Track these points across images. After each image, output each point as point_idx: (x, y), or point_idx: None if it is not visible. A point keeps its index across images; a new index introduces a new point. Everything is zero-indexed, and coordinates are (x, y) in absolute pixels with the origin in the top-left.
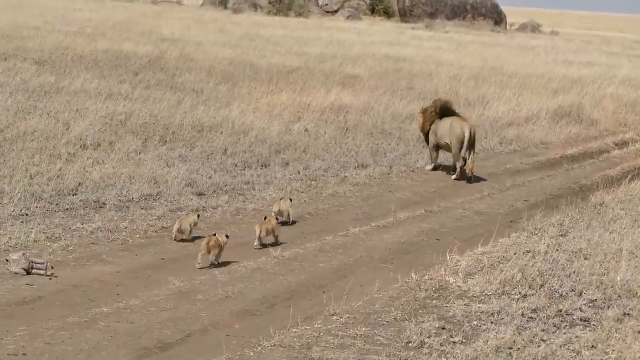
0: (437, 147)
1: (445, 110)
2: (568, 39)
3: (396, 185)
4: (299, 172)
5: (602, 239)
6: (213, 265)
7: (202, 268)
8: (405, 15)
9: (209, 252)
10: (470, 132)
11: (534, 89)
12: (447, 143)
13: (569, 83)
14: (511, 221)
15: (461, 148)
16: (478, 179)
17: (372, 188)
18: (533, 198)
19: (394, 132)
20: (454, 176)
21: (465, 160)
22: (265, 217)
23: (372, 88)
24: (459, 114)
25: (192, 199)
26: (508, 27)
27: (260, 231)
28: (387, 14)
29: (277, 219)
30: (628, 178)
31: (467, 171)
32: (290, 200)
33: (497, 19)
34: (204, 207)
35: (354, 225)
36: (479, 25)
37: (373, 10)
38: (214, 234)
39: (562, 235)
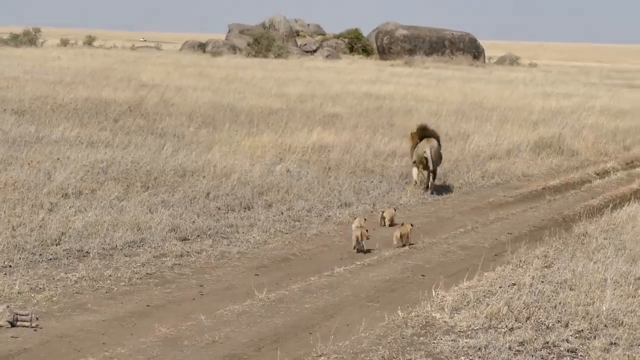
0: (415, 164)
1: (422, 133)
2: (546, 71)
3: (380, 223)
4: (282, 213)
5: (586, 269)
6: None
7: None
8: (384, 52)
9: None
10: (432, 152)
11: (514, 122)
12: (414, 162)
13: (548, 115)
14: (496, 254)
15: (425, 165)
16: (462, 214)
17: None
18: (517, 231)
19: (376, 169)
20: (427, 192)
21: (431, 175)
22: (402, 224)
23: (353, 126)
24: (432, 135)
25: (176, 244)
26: (487, 60)
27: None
28: (366, 51)
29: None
30: (610, 207)
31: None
32: (395, 209)
33: (476, 53)
34: (188, 252)
35: (339, 265)
36: (457, 60)
37: (352, 49)
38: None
39: (546, 266)
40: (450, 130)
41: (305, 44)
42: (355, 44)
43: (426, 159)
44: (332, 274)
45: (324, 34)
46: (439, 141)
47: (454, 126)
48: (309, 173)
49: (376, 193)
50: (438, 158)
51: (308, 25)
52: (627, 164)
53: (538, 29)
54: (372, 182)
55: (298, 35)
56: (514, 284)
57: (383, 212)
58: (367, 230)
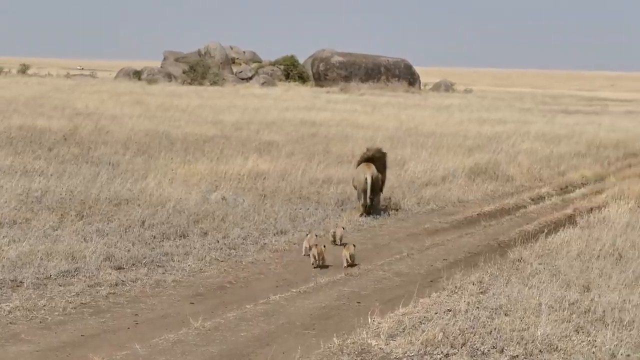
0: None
1: (364, 158)
2: (481, 97)
3: None
4: (218, 242)
5: (521, 295)
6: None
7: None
8: (320, 79)
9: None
10: (372, 178)
11: (449, 148)
12: (355, 186)
13: (484, 140)
14: (431, 281)
15: (364, 190)
16: (397, 240)
17: (292, 254)
18: (452, 257)
19: (312, 196)
20: (358, 214)
21: (369, 201)
22: (346, 244)
23: (289, 154)
24: (378, 159)
25: (110, 273)
26: (422, 87)
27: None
28: (302, 78)
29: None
30: (545, 232)
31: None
32: (344, 228)
33: (411, 79)
34: (123, 281)
35: (275, 293)
36: (393, 86)
37: (288, 76)
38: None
39: (482, 292)
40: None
41: (241, 71)
42: (291, 71)
43: (365, 184)
44: (267, 302)
45: (259, 61)
46: (384, 165)
47: (390, 152)
48: (245, 201)
49: (312, 220)
50: (377, 183)
51: (244, 52)
52: (561, 189)
53: (473, 56)
54: (308, 209)
55: (234, 62)
56: (449, 310)
57: (334, 231)
58: (324, 246)
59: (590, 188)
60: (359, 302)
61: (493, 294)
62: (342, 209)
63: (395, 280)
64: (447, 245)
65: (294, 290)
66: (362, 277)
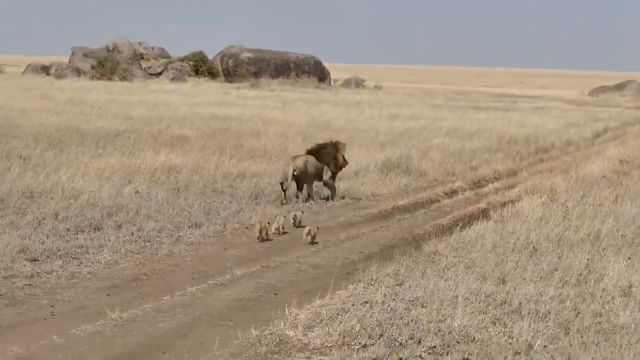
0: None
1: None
2: (392, 93)
3: (231, 243)
4: (132, 234)
5: (437, 287)
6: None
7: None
8: (230, 75)
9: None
10: (293, 169)
11: (361, 143)
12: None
13: (395, 136)
14: (347, 273)
15: (285, 179)
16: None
17: (207, 247)
18: (367, 250)
19: (226, 190)
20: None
21: (283, 189)
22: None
23: (201, 148)
24: (315, 152)
25: (25, 265)
26: (332, 83)
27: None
28: (212, 74)
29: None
30: (459, 226)
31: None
32: (302, 212)
33: (321, 75)
34: (38, 272)
35: (191, 285)
36: (303, 82)
37: (197, 72)
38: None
39: (398, 284)
40: (298, 152)
41: (150, 67)
42: (200, 66)
43: (287, 174)
44: (184, 294)
45: (168, 57)
46: (319, 158)
47: (301, 148)
48: (158, 194)
49: (226, 213)
50: (304, 175)
51: (152, 48)
52: (474, 183)
53: (382, 53)
54: (222, 202)
55: (142, 58)
56: (366, 302)
57: (295, 214)
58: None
59: (503, 182)
60: (275, 294)
61: (409, 286)
62: (256, 202)
63: (311, 272)
64: (362, 238)
65: (211, 282)
66: (278, 269)
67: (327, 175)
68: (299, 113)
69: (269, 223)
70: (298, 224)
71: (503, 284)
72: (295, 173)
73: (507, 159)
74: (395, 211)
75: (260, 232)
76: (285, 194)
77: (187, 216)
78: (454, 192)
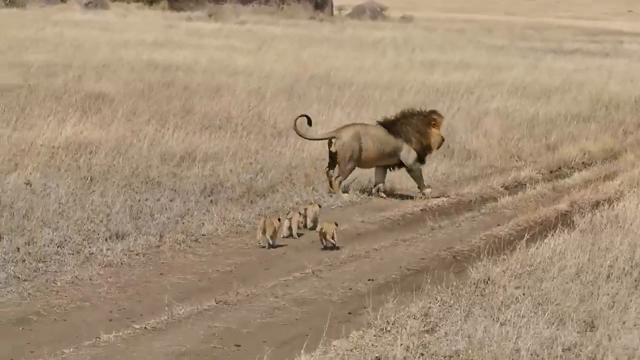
0: None
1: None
2: (428, 28)
3: (171, 264)
4: (18, 250)
5: (489, 335)
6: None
7: None
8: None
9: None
10: (330, 143)
11: (377, 106)
12: None
13: (431, 95)
14: (350, 312)
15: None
16: (297, 249)
17: (133, 270)
18: (382, 275)
19: (165, 181)
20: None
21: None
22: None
23: (130, 114)
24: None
25: None
26: (336, 12)
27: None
28: None
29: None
30: (525, 239)
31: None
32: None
33: (319, 1)
34: None
35: (108, 329)
36: (291, 11)
37: None
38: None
39: (428, 331)
40: (280, 120)
41: None
42: None
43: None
44: (96, 344)
45: None
46: (394, 132)
47: (285, 114)
48: (60, 187)
49: (165, 218)
50: (348, 154)
51: None
52: (551, 172)
53: None
54: (159, 200)
55: None
56: (378, 358)
57: (306, 209)
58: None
59: (597, 170)
60: (238, 345)
61: (445, 333)
62: (211, 201)
63: (294, 311)
64: (373, 257)
65: (137, 326)
66: (242, 306)
67: (410, 158)
68: (284, 59)
69: (279, 219)
70: (312, 224)
71: (591, 330)
72: (332, 149)
73: (605, 132)
74: (426, 215)
75: (265, 232)
76: (331, 181)
77: (103, 221)
78: (519, 186)
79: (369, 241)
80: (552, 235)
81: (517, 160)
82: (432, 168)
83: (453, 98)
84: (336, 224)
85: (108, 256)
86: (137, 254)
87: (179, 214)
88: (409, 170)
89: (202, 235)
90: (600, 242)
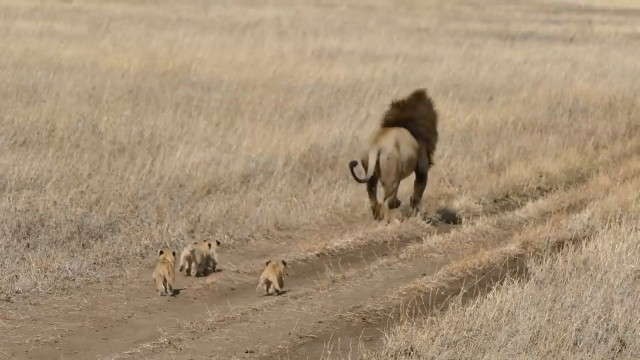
0: None
1: (392, 114)
2: (324, 4)
3: None
4: None
5: None
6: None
7: None
8: None
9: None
10: (377, 155)
11: (258, 114)
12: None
13: (330, 97)
14: None
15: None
16: (147, 310)
17: None
18: (265, 346)
19: None
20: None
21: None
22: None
23: None
24: (409, 118)
25: None
26: None
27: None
28: None
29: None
30: (461, 295)
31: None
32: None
33: None
34: None
35: None
36: None
37: None
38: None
39: None
40: (122, 134)
41: None
42: None
43: (367, 167)
44: None
45: None
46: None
47: (129, 124)
48: None
49: None
50: (395, 168)
51: None
52: (495, 201)
53: None
54: None
55: None
56: None
57: (194, 249)
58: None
59: (557, 199)
60: None
61: None
62: (28, 244)
63: None
64: (253, 320)
65: None
66: None
67: (425, 164)
68: (126, 48)
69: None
70: (203, 268)
71: None
72: (379, 162)
73: (568, 147)
74: (325, 262)
75: (166, 277)
76: (376, 205)
77: None
78: (452, 220)
79: (245, 298)
80: (498, 288)
81: (448, 186)
82: (332, 197)
83: (359, 101)
84: (284, 263)
85: None
86: None
87: None
88: (421, 181)
89: (16, 292)
90: (565, 298)
